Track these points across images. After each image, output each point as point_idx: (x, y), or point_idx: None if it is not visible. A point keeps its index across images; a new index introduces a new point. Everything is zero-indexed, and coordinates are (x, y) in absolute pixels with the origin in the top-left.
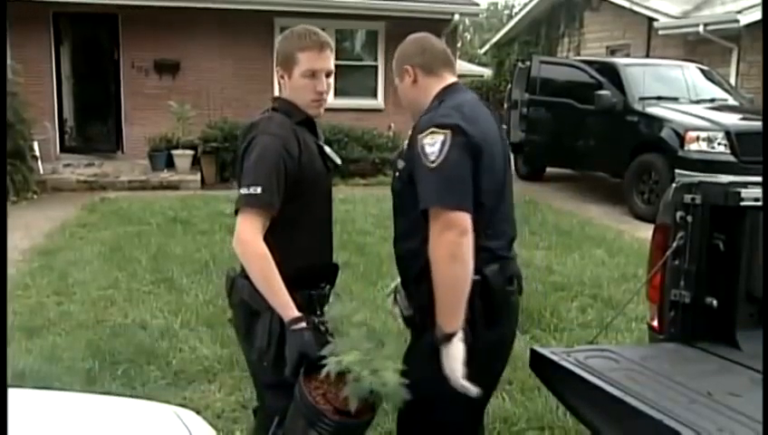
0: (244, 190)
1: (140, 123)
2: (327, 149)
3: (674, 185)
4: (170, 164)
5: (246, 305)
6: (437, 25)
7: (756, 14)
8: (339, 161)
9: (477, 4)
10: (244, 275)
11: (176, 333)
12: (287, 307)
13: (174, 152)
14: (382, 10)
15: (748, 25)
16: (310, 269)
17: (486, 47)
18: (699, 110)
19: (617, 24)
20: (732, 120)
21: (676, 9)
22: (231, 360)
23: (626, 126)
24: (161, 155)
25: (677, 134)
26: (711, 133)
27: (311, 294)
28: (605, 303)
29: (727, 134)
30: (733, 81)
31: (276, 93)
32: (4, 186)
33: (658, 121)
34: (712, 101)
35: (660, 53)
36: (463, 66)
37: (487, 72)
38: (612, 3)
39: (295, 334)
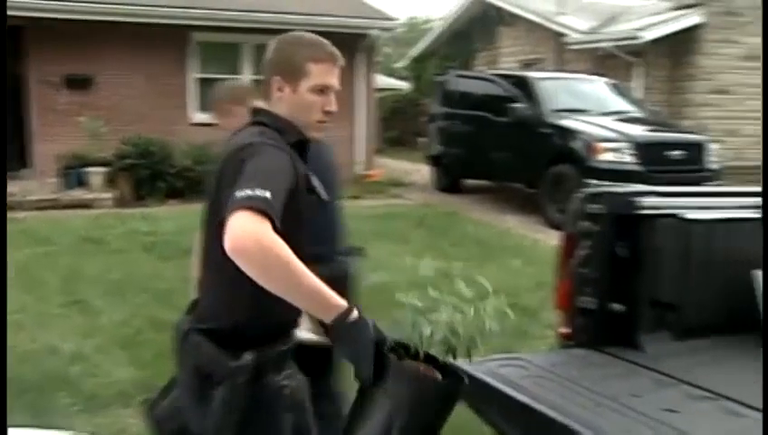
0: (245, 192)
1: (50, 140)
2: (314, 179)
3: (578, 195)
4: (83, 182)
5: (199, 371)
6: (354, 40)
7: (658, 31)
8: (325, 196)
9: (393, 19)
10: (201, 328)
11: (88, 356)
12: (332, 299)
13: (86, 170)
14: (299, 25)
15: (652, 41)
16: (287, 325)
17: (405, 61)
18: (608, 122)
19: (530, 38)
20: (638, 131)
21: (585, 25)
22: (147, 382)
23: (539, 138)
24: (73, 173)
25: (588, 145)
26: (619, 144)
27: (284, 350)
28: (522, 311)
29: (634, 145)
30: (639, 94)
31: (192, 108)
32: (4, 191)
33: (570, 133)
34: (620, 113)
35: (571, 67)
36: (381, 80)
37: (406, 86)
38: (525, 18)
39: (360, 325)
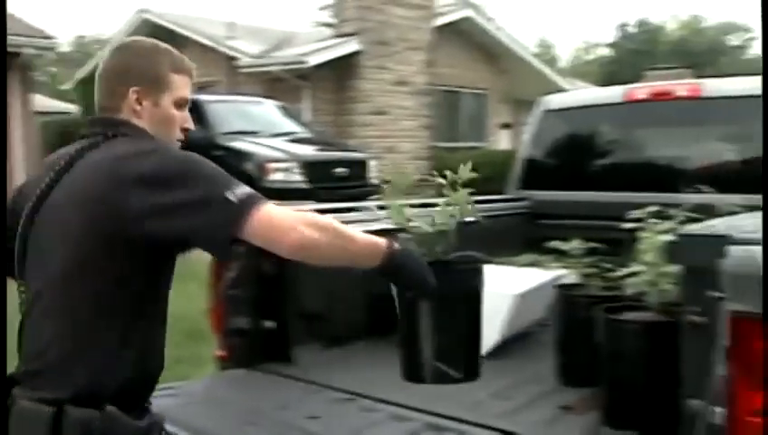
0: (235, 193)
1: None
2: None
3: None
4: None
5: None
6: (7, 59)
7: (322, 57)
8: None
9: (51, 38)
10: (76, 400)
11: None
12: (377, 239)
13: None
14: None
15: (317, 66)
16: (152, 380)
17: (72, 83)
18: (278, 142)
19: (202, 62)
20: (306, 150)
21: (255, 49)
22: None
23: (213, 161)
24: None
25: (259, 166)
26: (288, 164)
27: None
28: (197, 336)
29: (302, 163)
30: (307, 115)
31: None
32: (4, 193)
33: (241, 155)
34: (289, 134)
35: (244, 89)
36: (46, 103)
37: (75, 109)
38: (197, 41)
39: (407, 247)
